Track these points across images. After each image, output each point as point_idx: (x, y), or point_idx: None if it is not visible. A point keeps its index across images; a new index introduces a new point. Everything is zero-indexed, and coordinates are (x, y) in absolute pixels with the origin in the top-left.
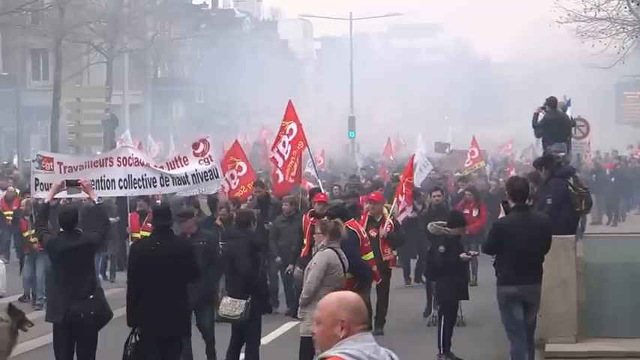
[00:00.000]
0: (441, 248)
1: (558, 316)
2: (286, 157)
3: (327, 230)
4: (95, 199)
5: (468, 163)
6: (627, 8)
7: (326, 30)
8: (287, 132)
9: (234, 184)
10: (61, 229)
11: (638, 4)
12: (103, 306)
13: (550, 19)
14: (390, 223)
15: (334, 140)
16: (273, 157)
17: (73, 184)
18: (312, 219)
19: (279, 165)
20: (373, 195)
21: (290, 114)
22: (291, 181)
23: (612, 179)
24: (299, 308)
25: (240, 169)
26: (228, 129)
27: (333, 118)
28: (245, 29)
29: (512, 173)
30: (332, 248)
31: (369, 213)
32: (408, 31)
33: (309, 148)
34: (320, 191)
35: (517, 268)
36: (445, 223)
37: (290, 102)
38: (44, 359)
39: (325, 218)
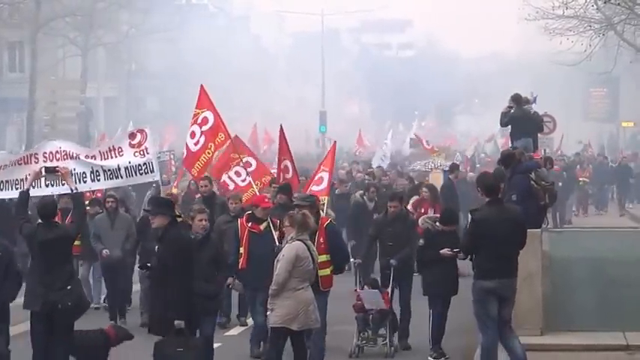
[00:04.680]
0: (420, 241)
1: (524, 309)
2: (197, 148)
3: (295, 223)
4: (73, 187)
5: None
6: (594, 6)
7: (298, 26)
8: (199, 121)
9: (243, 181)
10: (39, 221)
11: (604, 3)
12: (80, 296)
13: (519, 15)
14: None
15: (306, 134)
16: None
17: (51, 171)
18: (249, 224)
19: (184, 156)
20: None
21: (204, 101)
22: (197, 174)
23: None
24: (268, 299)
25: (248, 164)
26: None
27: (305, 112)
28: (218, 24)
29: (468, 170)
30: (301, 240)
31: None
32: (379, 27)
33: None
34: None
35: (496, 262)
36: (437, 217)
37: (202, 87)
38: (21, 346)
39: (295, 210)
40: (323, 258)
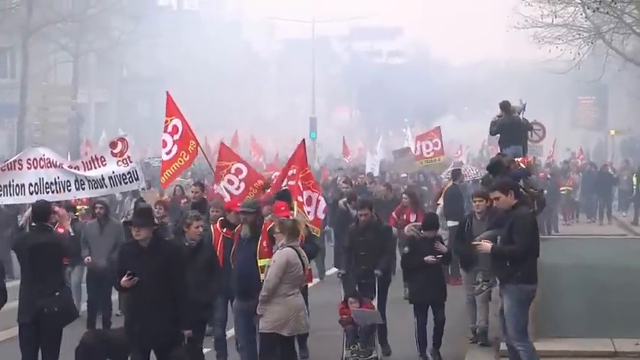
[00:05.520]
0: (405, 249)
1: None
2: (169, 157)
3: (285, 229)
4: (70, 231)
5: (428, 152)
6: (583, 15)
7: (289, 32)
8: (169, 129)
9: (237, 188)
10: (33, 223)
11: (593, 11)
12: (67, 303)
13: (508, 23)
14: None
15: (295, 141)
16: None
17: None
18: (224, 230)
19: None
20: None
21: (171, 108)
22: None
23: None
24: (258, 305)
25: (239, 171)
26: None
27: (295, 119)
28: (210, 30)
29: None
30: (291, 247)
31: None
32: (370, 34)
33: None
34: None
35: (535, 265)
36: (420, 225)
37: (168, 94)
38: (9, 353)
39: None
40: (266, 262)
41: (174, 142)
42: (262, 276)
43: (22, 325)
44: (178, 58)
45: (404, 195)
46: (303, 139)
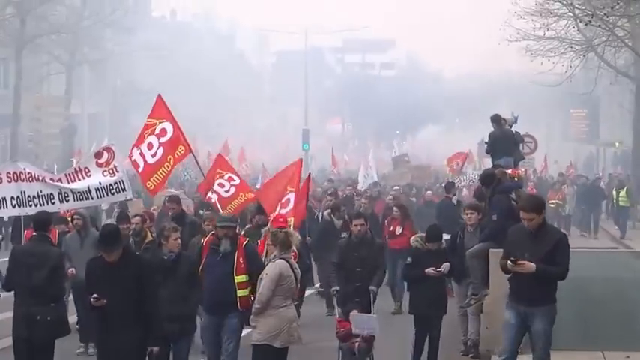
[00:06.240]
0: (408, 259)
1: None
2: (154, 160)
3: (277, 241)
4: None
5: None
6: (575, 28)
7: (282, 44)
8: (157, 132)
9: (227, 191)
10: (34, 233)
11: (585, 25)
12: (61, 316)
13: (500, 36)
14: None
15: (285, 152)
16: (134, 160)
17: None
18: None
19: (140, 169)
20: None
21: (161, 111)
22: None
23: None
24: (251, 316)
25: (231, 179)
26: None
27: (288, 130)
28: (203, 41)
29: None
30: (284, 259)
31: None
32: (362, 47)
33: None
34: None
35: None
36: (423, 236)
37: (159, 97)
38: None
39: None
40: (243, 278)
41: (161, 144)
42: (240, 292)
43: (17, 339)
44: (171, 70)
45: (394, 208)
46: (301, 159)
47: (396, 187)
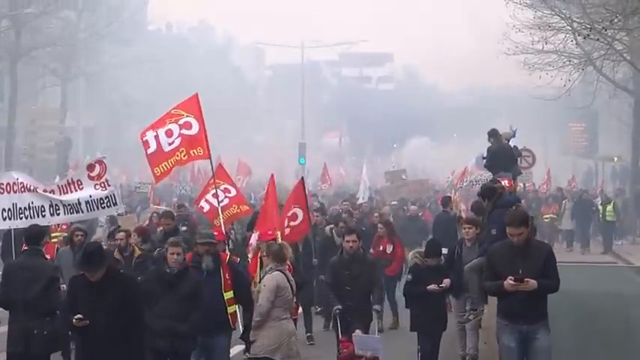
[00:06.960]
0: (409, 277)
1: None
2: (170, 148)
3: (270, 253)
4: None
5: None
6: (574, 42)
7: (278, 58)
8: (181, 122)
9: (222, 201)
10: (25, 247)
11: (584, 38)
12: (56, 330)
13: (498, 49)
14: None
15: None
16: (145, 140)
17: None
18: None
19: (150, 149)
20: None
21: (193, 107)
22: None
23: None
24: (251, 331)
25: (227, 190)
26: None
27: (284, 144)
28: (199, 55)
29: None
30: (280, 270)
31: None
32: (360, 60)
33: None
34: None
35: None
36: (422, 251)
37: (197, 94)
38: None
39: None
40: (230, 294)
41: (181, 134)
42: (230, 309)
43: (11, 355)
44: (167, 83)
45: (379, 225)
46: (302, 178)
47: (394, 203)
